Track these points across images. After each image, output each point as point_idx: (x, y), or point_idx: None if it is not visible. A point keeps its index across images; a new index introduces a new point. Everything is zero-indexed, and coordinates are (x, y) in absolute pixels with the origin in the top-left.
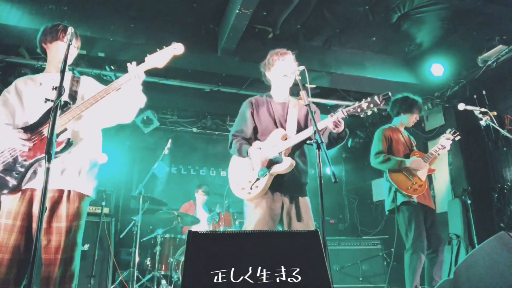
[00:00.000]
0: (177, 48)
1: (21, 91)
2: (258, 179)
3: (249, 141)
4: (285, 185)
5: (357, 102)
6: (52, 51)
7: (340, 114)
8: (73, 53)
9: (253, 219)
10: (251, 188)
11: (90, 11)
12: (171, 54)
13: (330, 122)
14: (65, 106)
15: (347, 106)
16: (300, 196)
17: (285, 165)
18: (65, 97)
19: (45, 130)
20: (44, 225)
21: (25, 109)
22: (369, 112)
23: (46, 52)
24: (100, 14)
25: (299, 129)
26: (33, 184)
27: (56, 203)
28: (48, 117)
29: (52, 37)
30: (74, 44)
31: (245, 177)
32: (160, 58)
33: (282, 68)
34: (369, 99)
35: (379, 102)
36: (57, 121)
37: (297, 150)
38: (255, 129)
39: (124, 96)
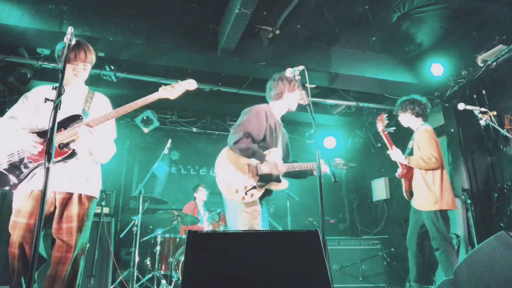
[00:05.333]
0: (190, 84)
1: (39, 98)
2: (255, 187)
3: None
4: (265, 196)
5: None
6: (67, 72)
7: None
8: (83, 70)
9: (252, 224)
10: (245, 194)
11: (90, 11)
12: (184, 88)
13: (326, 169)
14: (77, 119)
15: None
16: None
17: (284, 186)
18: (78, 111)
19: (55, 138)
20: (54, 225)
21: (41, 116)
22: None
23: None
24: (100, 14)
25: (283, 152)
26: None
27: (66, 204)
28: (61, 126)
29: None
30: (88, 61)
31: (242, 180)
32: (173, 91)
33: (299, 98)
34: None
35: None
36: (67, 132)
37: None
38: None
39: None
